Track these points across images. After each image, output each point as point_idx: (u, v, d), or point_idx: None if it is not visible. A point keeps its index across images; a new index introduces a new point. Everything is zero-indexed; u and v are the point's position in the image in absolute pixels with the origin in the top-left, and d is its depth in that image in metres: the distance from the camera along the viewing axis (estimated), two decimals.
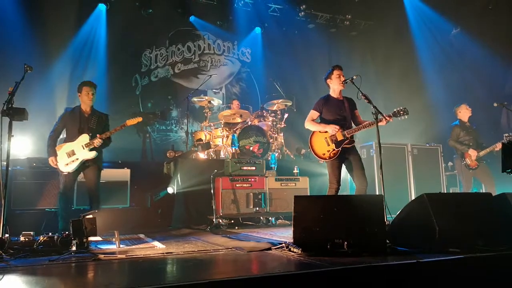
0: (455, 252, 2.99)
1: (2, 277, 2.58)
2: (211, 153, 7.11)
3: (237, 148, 6.63)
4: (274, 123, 7.62)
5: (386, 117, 4.26)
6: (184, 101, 8.39)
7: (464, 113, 6.50)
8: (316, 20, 10.73)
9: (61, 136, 5.02)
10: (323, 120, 4.64)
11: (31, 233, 3.72)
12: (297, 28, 10.70)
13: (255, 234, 4.84)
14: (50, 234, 3.70)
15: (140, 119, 4.97)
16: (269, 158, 6.58)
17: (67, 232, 3.68)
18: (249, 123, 7.22)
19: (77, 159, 4.68)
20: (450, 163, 7.42)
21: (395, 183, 6.63)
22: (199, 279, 2.40)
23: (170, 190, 6.35)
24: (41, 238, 3.63)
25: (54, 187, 5.56)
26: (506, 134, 5.79)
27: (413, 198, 6.40)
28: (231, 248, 3.64)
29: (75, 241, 3.52)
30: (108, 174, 6.10)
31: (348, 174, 4.71)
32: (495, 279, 2.87)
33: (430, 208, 3.24)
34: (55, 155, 4.70)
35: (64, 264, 3.07)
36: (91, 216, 3.76)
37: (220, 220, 5.61)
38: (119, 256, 3.35)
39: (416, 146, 7.21)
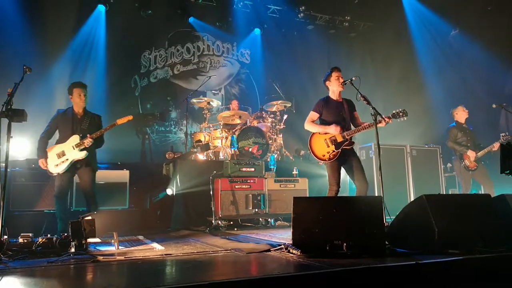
0: (454, 254, 2.99)
1: (1, 278, 2.58)
2: (210, 154, 7.11)
3: (236, 149, 6.63)
4: (273, 124, 7.62)
5: (385, 119, 4.26)
6: (183, 102, 8.38)
7: (461, 114, 6.52)
8: (315, 21, 10.74)
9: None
10: (322, 122, 4.64)
11: (30, 234, 3.70)
12: (296, 29, 10.72)
13: (254, 235, 4.84)
14: (49, 235, 3.69)
15: (130, 117, 4.90)
16: (268, 159, 6.59)
17: (66, 234, 3.67)
18: (248, 124, 7.22)
19: (67, 159, 4.65)
20: (449, 165, 7.43)
21: (394, 185, 6.64)
22: (198, 281, 2.40)
23: (169, 191, 6.35)
24: (40, 239, 3.62)
25: (53, 188, 5.52)
26: (503, 134, 5.80)
27: (412, 199, 6.39)
28: (230, 250, 3.64)
29: (74, 243, 3.51)
30: (107, 175, 6.11)
31: (347, 176, 4.71)
32: (495, 280, 2.87)
33: (429, 210, 3.24)
34: (45, 157, 4.67)
35: (63, 266, 3.06)
36: (90, 217, 3.75)
37: (219, 222, 5.61)
38: (118, 257, 3.35)
39: (415, 147, 7.22)
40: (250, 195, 5.83)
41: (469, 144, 6.30)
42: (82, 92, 4.83)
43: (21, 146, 6.43)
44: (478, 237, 3.19)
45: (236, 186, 5.82)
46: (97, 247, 3.95)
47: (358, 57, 10.75)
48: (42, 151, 4.71)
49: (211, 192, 5.74)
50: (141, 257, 3.36)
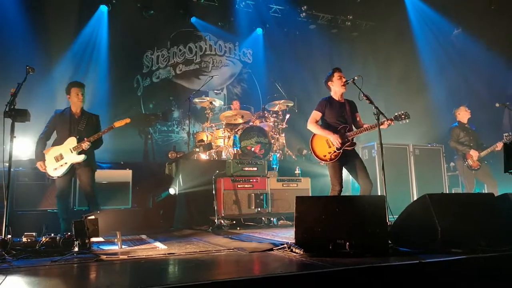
0: (457, 253, 2.98)
1: (5, 277, 2.59)
2: (213, 154, 7.11)
3: (238, 149, 6.63)
4: (276, 123, 7.61)
5: (388, 121, 4.26)
6: (185, 102, 8.39)
7: (463, 115, 6.50)
8: (318, 20, 10.73)
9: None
10: (324, 122, 4.63)
11: (34, 234, 3.72)
12: (298, 29, 10.72)
13: (257, 234, 4.84)
14: (52, 235, 3.70)
15: (128, 120, 4.85)
16: (271, 159, 6.58)
17: (69, 233, 3.69)
18: (251, 123, 7.22)
19: (66, 163, 4.62)
20: (452, 164, 7.40)
21: (397, 184, 6.62)
22: (201, 280, 2.40)
23: (171, 191, 6.36)
24: (43, 239, 3.63)
25: (56, 188, 5.56)
26: (506, 134, 5.78)
27: (415, 198, 6.40)
28: (233, 249, 3.64)
29: (77, 242, 3.53)
30: (110, 175, 6.13)
31: (350, 175, 4.70)
32: (498, 280, 2.86)
33: (432, 209, 3.24)
34: (43, 159, 4.62)
35: (66, 265, 3.07)
36: (93, 217, 3.77)
37: (222, 221, 5.61)
38: (121, 257, 3.36)
39: (418, 146, 7.20)
40: (253, 194, 5.83)
41: (471, 144, 6.28)
42: (80, 92, 4.78)
43: (24, 146, 6.45)
44: (481, 236, 3.19)
45: (239, 186, 5.82)
46: (100, 247, 3.96)
47: (360, 56, 10.74)
48: (40, 153, 4.67)
49: (213, 192, 5.75)
50: (144, 256, 3.37)
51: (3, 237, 3.39)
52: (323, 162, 4.56)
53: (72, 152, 4.63)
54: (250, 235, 4.79)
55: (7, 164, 3.67)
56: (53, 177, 4.66)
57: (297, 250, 3.17)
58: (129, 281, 2.82)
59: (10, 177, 3.63)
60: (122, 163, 6.81)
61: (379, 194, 6.10)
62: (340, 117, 4.55)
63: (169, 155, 7.34)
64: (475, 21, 8.36)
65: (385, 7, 9.73)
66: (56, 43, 8.05)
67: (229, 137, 7.03)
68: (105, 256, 3.34)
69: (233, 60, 10.48)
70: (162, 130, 9.44)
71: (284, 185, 6.10)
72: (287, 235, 4.49)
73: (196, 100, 7.87)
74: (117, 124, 4.79)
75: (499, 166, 4.28)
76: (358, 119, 4.68)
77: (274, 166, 6.41)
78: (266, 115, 7.62)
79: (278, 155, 7.03)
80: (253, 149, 6.84)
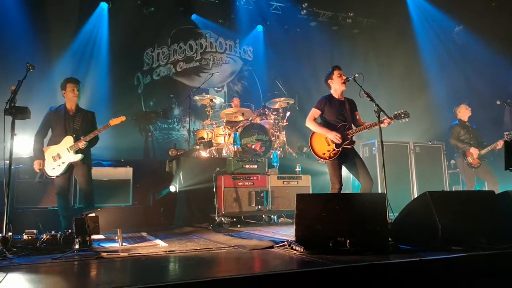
0: (457, 250, 2.99)
1: (6, 275, 2.59)
2: (213, 152, 7.11)
3: (239, 147, 6.63)
4: (276, 121, 7.61)
5: (387, 120, 4.24)
6: (186, 100, 8.38)
7: (463, 113, 6.50)
8: (318, 18, 10.70)
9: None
10: (323, 120, 4.62)
11: (34, 231, 3.72)
12: (299, 26, 10.68)
13: (257, 232, 4.85)
14: (53, 232, 3.71)
15: (123, 118, 4.80)
16: (271, 156, 6.58)
17: (70, 231, 3.69)
18: (251, 121, 7.22)
19: (63, 162, 4.60)
20: (452, 161, 7.40)
21: (398, 181, 6.62)
22: (201, 277, 2.41)
23: (172, 188, 6.36)
24: (44, 236, 3.64)
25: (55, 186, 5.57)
26: (507, 133, 5.78)
27: (415, 196, 6.39)
28: (233, 246, 3.64)
29: (78, 240, 3.53)
30: (111, 172, 6.13)
31: (350, 173, 4.70)
32: (498, 277, 2.86)
33: (432, 206, 3.23)
34: (42, 158, 4.60)
35: (67, 262, 3.08)
36: (93, 214, 3.77)
37: (222, 218, 5.62)
38: (122, 254, 3.36)
39: (418, 144, 7.19)
40: (253, 192, 5.84)
41: (472, 142, 6.28)
42: (76, 87, 4.74)
43: (24, 143, 6.43)
44: (482, 234, 3.18)
45: (239, 183, 5.82)
46: (101, 244, 3.97)
47: (361, 53, 10.72)
48: (39, 152, 4.64)
49: (214, 189, 5.75)
50: (144, 254, 3.37)
51: (4, 234, 3.40)
52: (322, 160, 4.56)
53: (69, 151, 4.61)
54: (251, 233, 4.79)
55: (8, 162, 3.67)
56: (51, 176, 4.64)
57: (297, 248, 3.17)
58: (130, 278, 2.82)
59: (11, 174, 3.64)
60: (122, 160, 6.81)
61: (380, 191, 6.10)
62: (340, 115, 4.54)
63: (170, 153, 7.33)
64: (476, 18, 8.35)
65: (386, 4, 9.70)
66: (57, 40, 8.04)
67: (229, 135, 7.03)
68: (106, 254, 3.35)
69: (234, 57, 10.47)
70: (162, 127, 9.43)
71: (284, 183, 6.10)
72: (288, 233, 4.50)
73: (197, 97, 7.86)
74: (113, 122, 4.74)
75: (500, 164, 4.27)
76: (357, 117, 4.66)
77: (275, 164, 6.41)
78: (266, 112, 7.61)
79: (278, 152, 7.03)
80: (253, 146, 6.83)
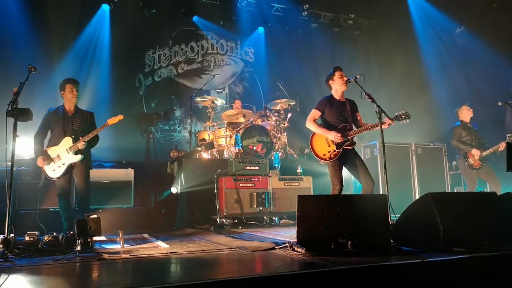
0: (459, 252, 2.98)
1: (8, 276, 2.60)
2: (215, 153, 7.11)
3: (240, 148, 6.63)
4: (278, 122, 7.61)
5: (388, 121, 4.24)
6: (187, 101, 8.40)
7: (465, 114, 6.48)
8: (319, 19, 10.72)
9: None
10: (324, 121, 4.62)
11: (36, 233, 3.72)
12: (300, 27, 10.70)
13: (259, 233, 4.84)
14: (54, 234, 3.71)
15: (121, 117, 4.77)
16: (273, 158, 6.59)
17: (71, 232, 3.69)
18: (253, 122, 7.22)
19: (63, 164, 4.59)
20: (454, 163, 7.39)
21: (399, 183, 6.61)
22: (203, 279, 2.41)
23: (173, 190, 6.37)
24: (46, 237, 3.64)
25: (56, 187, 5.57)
26: (509, 135, 5.76)
27: (417, 197, 6.39)
28: (234, 248, 3.64)
29: (79, 241, 3.54)
30: (112, 174, 6.14)
31: (351, 175, 4.69)
32: (500, 279, 2.85)
33: (434, 208, 3.23)
34: (44, 155, 4.59)
35: (68, 264, 3.08)
36: (95, 216, 3.77)
37: (224, 220, 5.62)
38: (123, 255, 3.36)
39: (420, 145, 7.18)
40: (255, 193, 5.84)
41: (473, 143, 6.26)
42: (75, 88, 4.72)
43: (26, 145, 6.44)
44: (484, 235, 3.18)
45: (241, 185, 5.82)
46: (103, 245, 3.97)
47: (362, 55, 10.72)
48: (40, 149, 4.64)
49: (215, 191, 5.75)
50: (146, 255, 3.37)
51: (6, 236, 3.40)
52: (323, 161, 4.56)
53: (68, 152, 4.60)
54: (252, 234, 4.79)
55: (10, 163, 3.67)
56: (52, 178, 4.64)
57: (299, 249, 3.17)
58: (131, 280, 2.82)
59: (13, 176, 3.64)
60: (124, 162, 6.82)
61: (381, 193, 6.10)
62: (340, 116, 4.54)
63: (171, 154, 7.34)
64: (477, 19, 8.34)
65: (387, 6, 9.70)
66: (58, 42, 8.06)
67: (231, 136, 7.03)
68: (107, 255, 3.35)
69: (235, 59, 10.48)
70: (164, 129, 9.45)
71: (286, 184, 6.10)
72: (289, 234, 4.49)
73: (198, 99, 7.87)
74: (111, 121, 4.72)
75: (501, 165, 4.27)
76: (358, 118, 4.66)
77: (276, 165, 6.40)
78: (268, 114, 7.61)
79: (280, 154, 7.03)
80: (255, 148, 6.84)
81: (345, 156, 4.46)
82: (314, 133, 4.62)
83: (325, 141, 4.50)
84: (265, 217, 6.05)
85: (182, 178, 6.20)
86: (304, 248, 3.14)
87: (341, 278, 2.52)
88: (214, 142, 7.12)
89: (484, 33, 8.19)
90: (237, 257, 3.25)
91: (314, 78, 9.54)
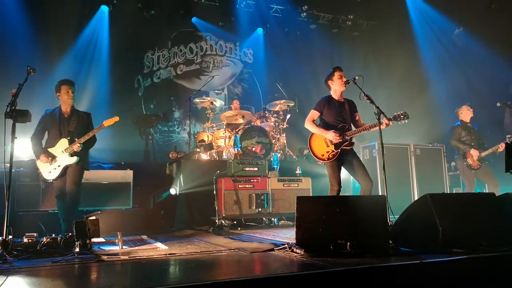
0: (458, 253, 2.98)
1: (6, 278, 2.59)
2: (214, 154, 7.11)
3: (239, 149, 6.63)
4: (277, 123, 7.62)
5: (386, 121, 4.24)
6: (186, 102, 8.40)
7: (465, 114, 6.48)
8: (318, 20, 10.73)
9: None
10: (323, 121, 4.62)
11: (35, 234, 3.71)
12: (299, 28, 10.72)
13: (258, 235, 4.84)
14: (53, 235, 3.70)
15: (117, 118, 4.72)
16: (272, 159, 6.58)
17: (70, 234, 3.69)
18: (252, 124, 7.22)
19: (59, 165, 4.57)
20: (453, 163, 7.39)
21: (398, 184, 6.61)
22: (202, 280, 2.41)
23: (172, 191, 6.36)
24: (45, 239, 3.64)
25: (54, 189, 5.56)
26: (509, 136, 5.76)
27: (416, 198, 6.39)
28: (233, 249, 3.64)
29: (78, 243, 3.53)
30: (111, 175, 6.14)
31: (350, 175, 4.69)
32: (499, 280, 2.85)
33: (433, 209, 3.23)
34: (44, 152, 4.54)
35: (67, 266, 3.08)
36: (94, 217, 3.77)
37: (223, 221, 5.61)
38: (122, 257, 3.36)
39: (419, 146, 7.19)
40: (254, 194, 5.84)
41: (472, 144, 6.26)
42: (70, 89, 4.68)
43: (25, 146, 6.43)
44: (482, 236, 3.18)
45: (240, 186, 5.82)
46: (101, 247, 3.96)
47: (361, 56, 10.74)
48: (40, 149, 4.60)
49: (214, 192, 5.75)
50: (145, 257, 3.37)
51: (4, 237, 3.40)
52: (321, 161, 4.56)
53: (64, 154, 4.57)
54: (251, 235, 4.79)
55: (8, 165, 3.67)
56: (48, 180, 4.62)
57: (298, 250, 3.17)
58: (130, 281, 2.82)
59: (11, 177, 3.64)
60: (123, 163, 6.81)
61: (380, 194, 6.10)
62: (339, 117, 4.54)
63: (170, 155, 7.34)
64: (476, 20, 8.35)
65: (386, 7, 9.72)
66: (57, 43, 8.07)
67: (230, 137, 7.03)
68: (106, 257, 3.34)
69: (234, 60, 10.49)
70: (163, 130, 9.45)
71: (285, 185, 6.10)
72: (288, 235, 4.49)
73: (197, 100, 7.87)
74: (107, 123, 4.67)
75: (500, 166, 4.27)
76: (357, 118, 4.66)
77: (275, 166, 6.40)
78: (267, 115, 7.62)
79: (279, 155, 7.03)
80: (253, 149, 6.84)
81: (344, 156, 4.46)
82: (312, 134, 4.62)
83: (324, 141, 4.50)
84: (264, 218, 6.04)
85: (181, 179, 6.20)
86: (303, 249, 3.14)
87: (340, 279, 2.52)
88: (213, 143, 7.12)
89: (483, 34, 8.21)
90: (236, 259, 3.25)
91: (313, 79, 9.56)
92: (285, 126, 7.74)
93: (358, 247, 3.08)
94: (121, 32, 8.77)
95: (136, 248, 3.97)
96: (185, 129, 9.31)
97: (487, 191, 6.29)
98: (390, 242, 3.30)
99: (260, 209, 5.83)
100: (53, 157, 4.58)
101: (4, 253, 3.29)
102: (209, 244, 4.12)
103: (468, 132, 6.37)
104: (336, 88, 4.61)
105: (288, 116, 7.88)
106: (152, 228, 5.93)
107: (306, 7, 10.27)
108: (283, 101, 7.81)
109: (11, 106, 3.70)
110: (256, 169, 6.08)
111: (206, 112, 7.71)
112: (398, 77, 9.40)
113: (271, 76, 9.66)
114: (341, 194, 4.52)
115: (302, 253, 3.12)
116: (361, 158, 4.72)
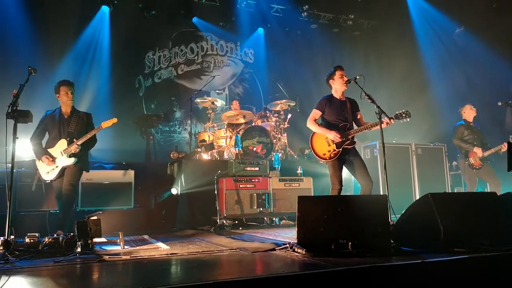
0: (460, 252, 2.97)
1: (8, 278, 2.60)
2: (215, 154, 7.11)
3: (240, 149, 6.63)
4: (278, 123, 7.61)
5: (387, 120, 4.23)
6: (187, 102, 8.40)
7: (468, 113, 6.47)
8: (319, 20, 10.73)
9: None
10: (324, 120, 4.62)
11: (36, 234, 3.72)
12: (299, 28, 10.71)
13: (259, 234, 4.84)
14: (55, 235, 3.71)
15: (115, 120, 4.68)
16: (273, 159, 6.58)
17: (71, 234, 3.69)
18: (253, 123, 7.22)
19: (57, 166, 4.56)
20: (454, 163, 7.39)
21: (399, 183, 6.61)
22: (203, 280, 2.41)
23: (174, 191, 6.37)
24: (46, 239, 3.64)
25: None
26: None
27: (417, 198, 6.38)
28: (235, 249, 3.64)
29: (80, 243, 3.53)
30: (112, 175, 6.14)
31: (351, 175, 4.69)
32: (500, 279, 2.85)
33: (434, 208, 3.23)
34: (46, 153, 4.54)
35: (69, 266, 3.08)
36: (95, 217, 3.77)
37: (224, 221, 5.61)
38: (124, 257, 3.36)
39: (420, 145, 7.18)
40: (255, 194, 5.83)
41: (475, 143, 6.25)
42: (69, 90, 4.67)
43: (26, 147, 6.44)
44: (484, 235, 3.17)
45: (241, 186, 5.82)
46: (103, 247, 3.97)
47: (362, 55, 10.73)
48: (41, 149, 4.60)
49: (215, 192, 5.75)
50: (146, 257, 3.37)
51: (6, 237, 3.40)
52: (323, 160, 4.56)
53: (62, 155, 4.56)
54: (252, 235, 4.79)
55: (10, 165, 3.68)
56: (46, 180, 4.62)
57: (299, 250, 3.17)
58: (132, 281, 2.82)
59: (13, 178, 3.64)
60: (124, 163, 6.81)
61: (381, 193, 6.09)
62: (341, 115, 4.55)
63: (171, 155, 7.34)
64: (477, 19, 8.35)
65: (386, 6, 9.71)
66: (58, 44, 8.07)
67: (231, 137, 7.03)
68: (108, 257, 3.35)
69: (235, 60, 10.49)
70: (164, 130, 9.45)
71: (286, 185, 6.10)
72: (289, 235, 4.49)
73: (198, 100, 7.88)
74: (105, 124, 4.63)
75: (501, 165, 4.27)
76: (359, 117, 4.67)
77: (276, 166, 6.40)
78: (268, 115, 7.62)
79: (280, 155, 7.03)
80: (255, 149, 6.84)
81: (345, 155, 4.46)
82: (314, 133, 4.63)
83: (325, 140, 4.51)
84: (265, 218, 6.05)
85: (182, 179, 6.20)
86: (305, 249, 3.14)
87: (342, 279, 2.52)
88: (214, 143, 7.12)
89: (484, 33, 8.20)
90: (238, 258, 3.25)
91: (314, 79, 9.56)
92: (286, 126, 7.74)
93: (360, 246, 3.07)
94: (121, 32, 8.78)
95: (138, 248, 3.97)
96: (186, 129, 9.32)
97: (488, 191, 6.28)
98: (392, 241, 3.29)
99: (261, 209, 5.83)
100: (53, 158, 4.59)
101: (6, 253, 3.29)
102: (211, 244, 4.12)
103: (471, 131, 6.35)
104: (337, 88, 4.61)
105: (289, 115, 7.88)
106: (154, 228, 5.94)
107: (306, 6, 10.26)
108: (284, 100, 7.81)
109: (12, 107, 3.70)
110: (257, 169, 6.08)
111: (207, 112, 7.71)
112: (399, 76, 9.40)
113: (272, 76, 9.66)
114: (342, 193, 4.53)
115: (304, 252, 3.12)
116: (362, 157, 4.71)
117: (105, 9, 8.87)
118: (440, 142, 7.39)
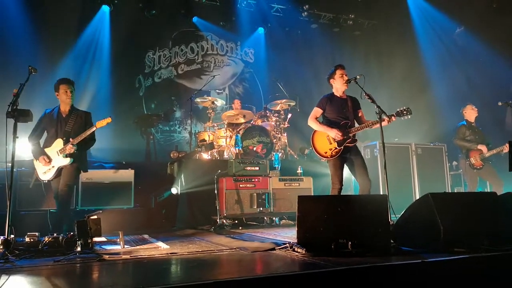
0: (460, 252, 2.97)
1: (8, 277, 2.60)
2: (215, 154, 7.11)
3: (240, 149, 6.64)
4: (278, 123, 7.61)
5: (389, 117, 4.24)
6: (187, 102, 8.40)
7: (470, 113, 6.46)
8: (319, 20, 10.73)
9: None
10: (325, 119, 4.63)
11: (36, 234, 3.72)
12: (300, 28, 10.71)
13: (259, 234, 4.84)
14: (55, 235, 3.71)
15: (109, 119, 4.62)
16: (273, 158, 6.58)
17: (71, 233, 3.69)
18: (253, 123, 7.22)
19: (53, 167, 4.53)
20: (454, 163, 7.38)
21: (399, 183, 6.60)
22: (203, 280, 2.41)
23: (174, 190, 6.37)
24: (46, 239, 3.64)
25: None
26: None
27: (417, 197, 6.37)
28: (235, 248, 3.64)
29: (79, 242, 3.53)
30: (112, 175, 6.14)
31: (352, 175, 4.70)
32: (500, 279, 2.85)
33: (434, 208, 3.22)
34: (44, 153, 4.52)
35: (69, 265, 3.08)
36: (95, 217, 3.77)
37: (224, 221, 5.61)
38: (124, 256, 3.36)
39: (420, 145, 7.18)
40: (255, 194, 5.84)
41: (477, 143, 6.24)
42: (69, 89, 4.63)
43: (26, 146, 6.44)
44: (484, 235, 3.17)
45: (241, 185, 5.82)
46: (103, 246, 3.97)
47: (362, 55, 10.73)
48: (39, 149, 4.57)
49: (215, 191, 5.75)
50: (146, 256, 3.37)
51: (6, 237, 3.40)
52: (324, 158, 4.57)
53: (58, 155, 4.52)
54: (252, 235, 4.79)
55: (10, 164, 3.67)
56: (43, 180, 4.60)
57: (299, 250, 3.17)
58: (132, 280, 2.82)
59: (13, 177, 3.64)
60: (124, 163, 6.81)
61: (381, 193, 6.09)
62: (341, 114, 4.56)
63: (171, 155, 7.34)
64: (477, 19, 8.34)
65: (387, 6, 9.71)
66: (58, 43, 8.08)
67: (231, 137, 7.03)
68: (108, 256, 3.35)
69: (235, 59, 10.49)
70: (164, 130, 9.45)
71: (286, 185, 6.10)
72: (289, 235, 4.49)
73: (198, 99, 7.88)
74: (99, 124, 4.57)
75: (502, 165, 4.27)
76: (360, 115, 4.67)
77: (276, 166, 6.40)
78: (268, 114, 7.62)
79: (280, 154, 7.03)
80: (255, 148, 6.84)
81: (347, 154, 4.47)
82: (315, 131, 4.64)
83: (327, 138, 4.51)
84: (265, 218, 6.05)
85: (182, 179, 6.20)
86: (305, 249, 3.14)
87: (342, 278, 2.52)
88: (214, 143, 7.12)
89: (484, 33, 8.20)
90: (238, 258, 3.25)
91: (314, 79, 9.56)
92: (286, 126, 7.74)
93: (360, 246, 3.07)
94: (122, 32, 8.78)
95: (138, 247, 3.97)
96: (186, 129, 9.32)
97: (489, 191, 6.28)
98: (392, 241, 3.30)
99: (261, 209, 5.83)
100: (49, 159, 4.56)
101: (6, 252, 3.29)
102: (211, 243, 4.12)
103: (473, 131, 6.34)
104: (337, 86, 4.63)
105: (289, 115, 7.88)
106: (154, 228, 5.94)
107: (307, 6, 10.25)
108: (284, 100, 7.81)
109: (12, 106, 3.69)
110: (257, 168, 6.08)
111: (207, 111, 7.71)
112: (399, 76, 9.39)
113: (272, 76, 9.66)
114: (342, 193, 4.53)
115: (304, 252, 3.12)
116: (363, 156, 4.71)
117: (105, 8, 8.87)
118: (440, 142, 7.39)
